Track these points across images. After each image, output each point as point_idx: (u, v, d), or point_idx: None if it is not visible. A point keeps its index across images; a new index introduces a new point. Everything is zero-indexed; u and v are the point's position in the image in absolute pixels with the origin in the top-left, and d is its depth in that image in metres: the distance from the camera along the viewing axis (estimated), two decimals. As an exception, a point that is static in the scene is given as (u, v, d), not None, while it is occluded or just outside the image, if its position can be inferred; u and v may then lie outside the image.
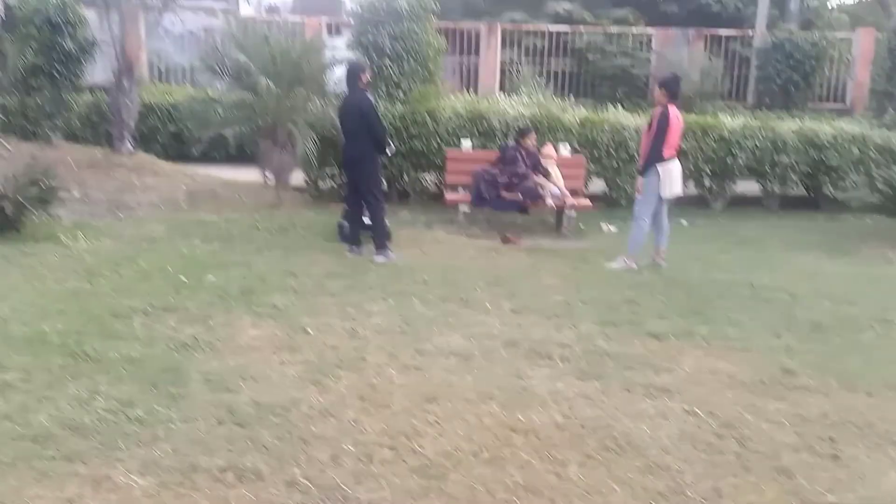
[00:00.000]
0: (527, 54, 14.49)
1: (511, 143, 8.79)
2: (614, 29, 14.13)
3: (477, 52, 14.58)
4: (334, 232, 7.73)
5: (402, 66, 9.71)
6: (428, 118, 9.64)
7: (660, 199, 7.11)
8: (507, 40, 14.69)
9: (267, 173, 9.06)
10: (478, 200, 8.51)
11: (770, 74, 13.87)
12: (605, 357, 4.60)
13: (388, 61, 9.63)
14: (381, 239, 7.02)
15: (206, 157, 11.40)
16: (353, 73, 6.93)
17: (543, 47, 14.48)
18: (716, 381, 4.32)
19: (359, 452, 3.35)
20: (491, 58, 14.36)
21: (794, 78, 13.68)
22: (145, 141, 11.46)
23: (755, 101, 14.43)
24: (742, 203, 10.80)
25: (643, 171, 7.04)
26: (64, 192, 7.56)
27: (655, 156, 6.87)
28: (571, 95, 11.06)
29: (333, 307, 5.36)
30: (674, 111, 6.85)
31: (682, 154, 7.62)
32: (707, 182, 10.62)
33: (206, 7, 15.74)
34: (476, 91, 13.81)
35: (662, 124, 6.82)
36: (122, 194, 8.56)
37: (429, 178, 10.30)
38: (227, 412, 3.66)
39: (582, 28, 14.37)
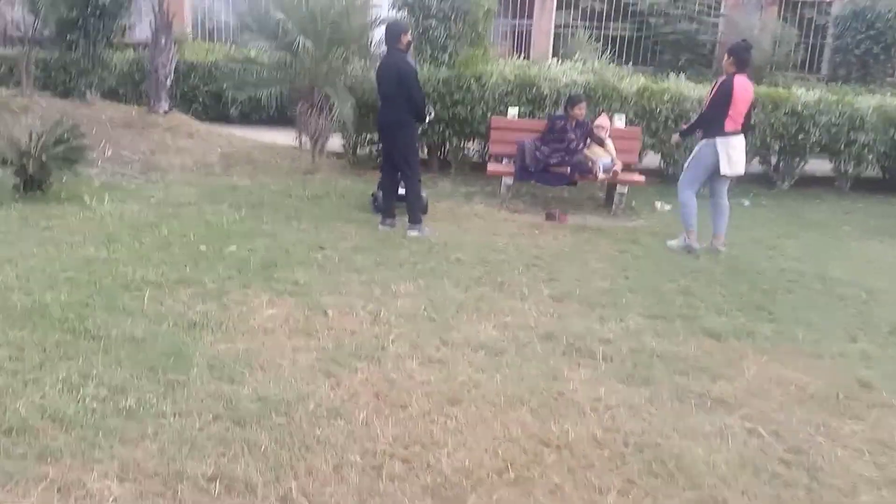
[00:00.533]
0: (583, 18, 13.72)
1: (560, 113, 8.20)
2: (679, -8, 13.25)
3: (531, 14, 13.88)
4: (368, 202, 7.33)
5: (448, 28, 9.15)
6: (473, 83, 9.09)
7: (718, 175, 6.49)
8: (563, 2, 13.95)
9: (303, 138, 8.66)
10: (522, 173, 7.97)
11: (847, 45, 12.85)
12: (653, 358, 4.09)
13: (433, 22, 9.07)
14: (415, 212, 6.57)
15: (246, 119, 11.11)
16: (393, 34, 6.44)
17: (601, 10, 13.69)
18: (782, 392, 3.77)
19: (366, 464, 2.94)
20: (545, 21, 13.65)
21: (873, 50, 12.63)
22: (186, 101, 11.20)
23: (830, 73, 13.45)
24: (811, 183, 10.01)
25: (683, 133, 6.95)
26: (94, 151, 7.29)
27: (707, 124, 6.41)
28: (630, 63, 10.33)
29: (358, 286, 4.95)
30: (740, 81, 6.26)
31: (749, 129, 6.91)
32: (774, 159, 9.86)
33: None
34: (528, 56, 13.17)
35: (721, 93, 6.27)
36: (155, 155, 8.27)
37: (472, 147, 9.78)
38: (226, 407, 3.28)
39: (644, -10, 13.53)
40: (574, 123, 7.93)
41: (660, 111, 9.18)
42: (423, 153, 9.74)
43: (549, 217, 7.65)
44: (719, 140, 6.29)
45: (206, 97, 11.46)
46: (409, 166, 6.57)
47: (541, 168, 7.92)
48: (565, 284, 5.30)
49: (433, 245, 6.13)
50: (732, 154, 6.34)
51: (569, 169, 7.94)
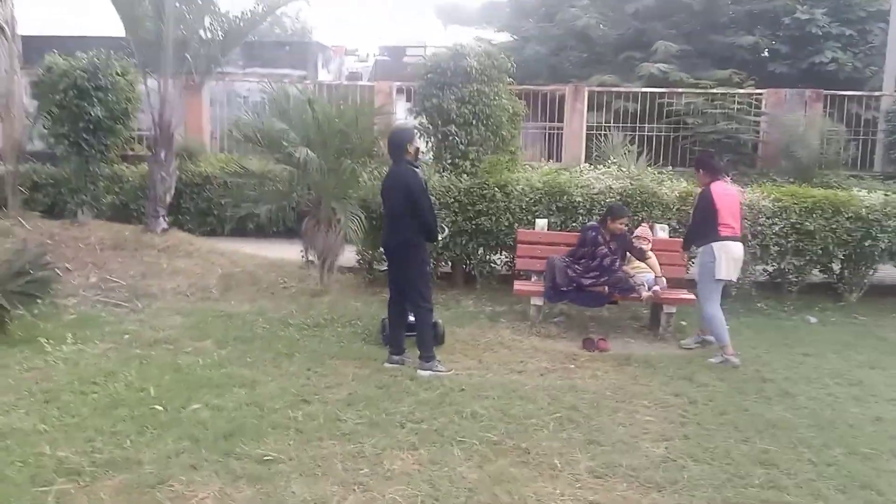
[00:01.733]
0: (616, 120, 12.93)
1: (592, 223, 7.17)
2: (718, 90, 12.39)
3: (561, 118, 13.15)
4: (378, 329, 6.31)
5: (469, 133, 8.34)
6: (498, 192, 8.18)
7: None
8: (595, 104, 13.21)
9: (310, 255, 7.77)
10: (553, 294, 6.89)
11: (902, 139, 11.76)
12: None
13: (453, 128, 8.28)
14: (426, 348, 5.52)
15: (262, 232, 10.28)
16: (398, 143, 5.59)
17: (636, 111, 12.90)
18: None
19: None
20: (576, 123, 12.87)
21: (931, 144, 11.51)
22: (201, 214, 10.49)
23: (883, 170, 12.29)
24: (882, 293, 8.72)
25: (684, 247, 6.95)
26: (76, 277, 6.45)
27: (697, 235, 6.49)
28: (669, 165, 9.38)
29: (341, 462, 3.84)
30: (718, 188, 6.33)
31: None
32: (838, 268, 8.64)
33: (279, 74, 15.10)
34: (560, 160, 12.33)
35: (703, 205, 6.34)
36: (146, 279, 7.41)
37: (499, 261, 8.78)
38: None
39: (680, 90, 12.71)
40: (609, 236, 6.89)
41: (706, 218, 8.10)
42: (448, 267, 8.79)
43: (587, 345, 6.50)
44: (715, 245, 6.20)
45: (223, 210, 10.75)
46: (419, 294, 5.57)
47: (574, 287, 6.85)
48: (609, 451, 4.12)
49: (446, 391, 5.02)
50: (726, 258, 6.20)
51: (606, 288, 6.85)
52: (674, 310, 6.93)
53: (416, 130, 5.63)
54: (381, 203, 5.86)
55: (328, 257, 7.60)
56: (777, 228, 8.09)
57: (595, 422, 4.58)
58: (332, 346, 6.00)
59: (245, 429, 4.16)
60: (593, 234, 6.89)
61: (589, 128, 12.90)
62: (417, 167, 5.60)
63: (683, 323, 7.31)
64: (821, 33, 15.52)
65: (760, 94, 12.52)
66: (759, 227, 8.07)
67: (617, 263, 6.83)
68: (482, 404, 4.78)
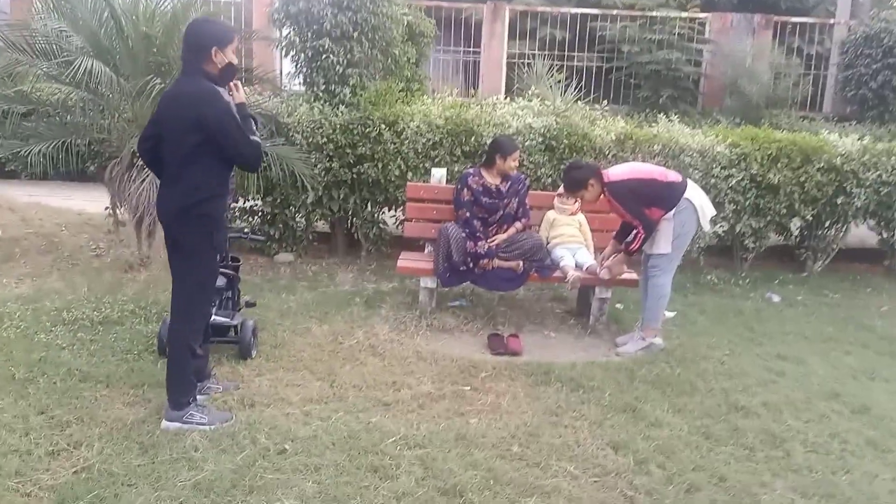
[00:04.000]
0: (542, 48, 10.84)
1: (472, 170, 5.20)
2: (656, 13, 10.38)
3: (479, 43, 10.98)
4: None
5: (349, 50, 6.13)
6: (385, 130, 6.07)
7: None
8: (518, 30, 11.07)
9: (119, 211, 5.53)
10: (448, 275, 4.92)
11: (861, 76, 10.11)
12: None
13: (327, 42, 6.05)
14: (177, 389, 3.29)
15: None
16: (196, 43, 3.23)
17: (564, 39, 10.82)
18: None
19: None
20: (496, 49, 10.73)
21: (893, 81, 9.90)
22: None
23: (835, 110, 10.70)
24: (845, 258, 7.12)
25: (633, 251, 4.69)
26: None
27: (648, 222, 4.52)
28: (604, 100, 7.47)
29: None
30: (618, 172, 4.67)
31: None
32: (800, 232, 6.98)
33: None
34: (474, 93, 10.21)
35: (634, 190, 4.55)
36: None
37: (392, 220, 6.74)
38: None
39: (614, 11, 10.64)
40: (500, 180, 5.02)
41: (649, 168, 6.22)
42: (327, 226, 6.70)
43: (494, 344, 4.60)
44: (688, 195, 4.55)
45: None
46: (185, 302, 3.32)
47: (475, 265, 4.90)
48: None
49: (250, 457, 3.00)
50: (707, 205, 4.68)
51: (521, 264, 4.93)
52: (609, 294, 5.07)
53: (233, 34, 3.37)
54: (143, 141, 3.44)
55: (145, 216, 5.36)
56: (734, 182, 6.30)
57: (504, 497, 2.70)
58: (106, 363, 3.87)
59: None
60: (461, 185, 5.05)
61: (511, 56, 10.79)
62: (222, 88, 3.38)
63: (619, 306, 5.50)
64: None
65: (704, 18, 10.60)
66: (713, 180, 6.27)
67: (521, 213, 5.05)
68: (301, 488, 2.80)
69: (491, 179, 5.05)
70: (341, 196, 6.29)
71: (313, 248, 6.76)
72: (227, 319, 4.10)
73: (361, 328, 4.73)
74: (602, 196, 4.63)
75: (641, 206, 4.49)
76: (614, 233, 4.90)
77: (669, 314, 5.19)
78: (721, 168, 6.27)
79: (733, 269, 6.67)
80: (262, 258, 6.44)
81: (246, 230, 4.74)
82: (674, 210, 4.51)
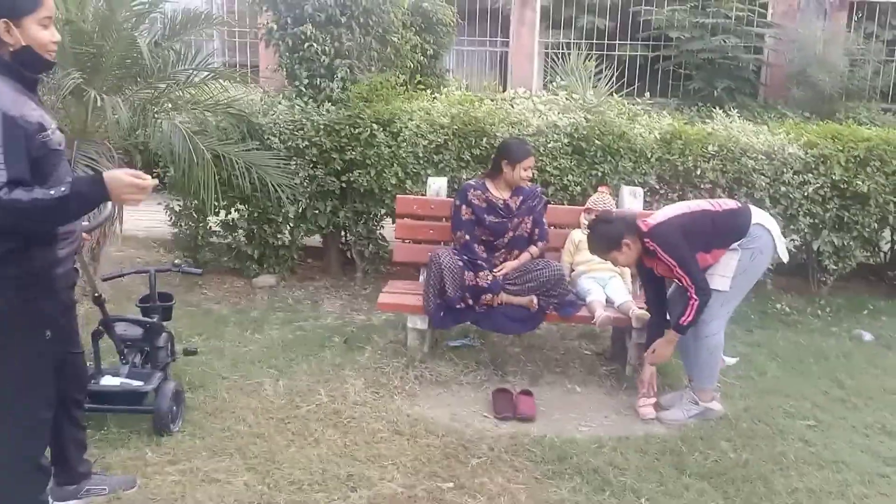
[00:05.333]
0: (580, 37, 9.64)
1: (474, 182, 4.10)
2: (709, -4, 9.10)
3: (508, 33, 9.86)
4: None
5: (337, 38, 5.10)
6: (379, 131, 5.01)
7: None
8: (552, 19, 9.90)
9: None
10: (441, 314, 3.83)
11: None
12: None
13: (310, 28, 5.03)
14: None
15: None
16: None
17: (605, 27, 9.61)
18: None
19: None
20: (526, 38, 9.61)
21: None
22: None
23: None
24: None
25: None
26: None
27: (694, 272, 3.29)
28: (647, 93, 6.27)
29: None
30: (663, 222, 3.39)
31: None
32: (890, 248, 5.66)
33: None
34: (505, 87, 9.08)
35: (684, 228, 3.34)
36: None
37: (388, 233, 5.68)
38: None
39: (661, -4, 9.38)
40: (509, 195, 3.89)
41: (701, 173, 5.01)
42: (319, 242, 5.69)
43: (500, 405, 3.52)
44: (759, 220, 3.41)
45: None
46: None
47: (475, 300, 3.80)
48: None
49: None
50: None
51: (535, 300, 3.81)
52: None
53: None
54: None
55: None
56: (811, 189, 5.03)
57: None
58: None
59: None
60: (460, 200, 3.90)
61: (546, 46, 9.62)
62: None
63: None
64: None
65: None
66: (783, 188, 5.02)
67: (538, 235, 3.88)
68: None
69: (497, 193, 3.95)
70: (328, 209, 5.25)
71: (303, 268, 5.76)
72: (140, 383, 3.09)
73: (329, 383, 3.68)
74: (641, 253, 3.43)
75: (699, 249, 3.30)
76: (645, 299, 3.70)
77: (730, 360, 3.97)
78: (794, 173, 5.01)
79: (810, 295, 5.39)
80: (239, 281, 5.46)
81: (177, 262, 3.74)
82: (740, 240, 3.33)
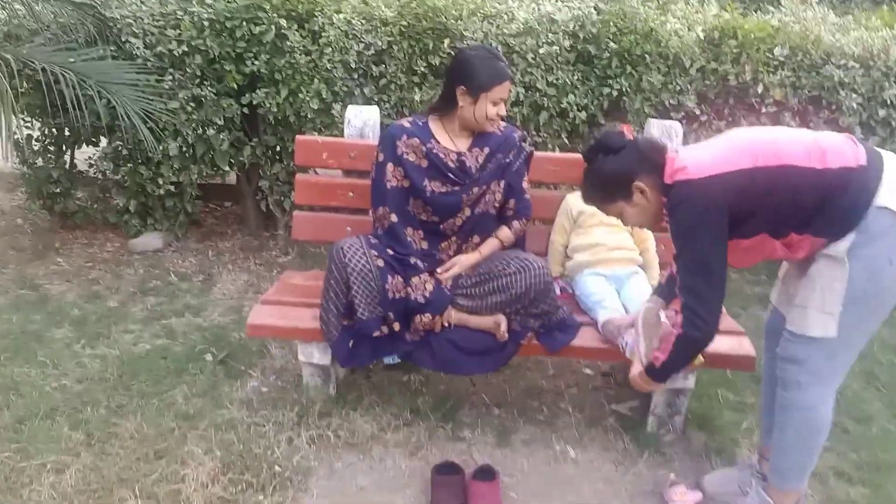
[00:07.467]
0: None
1: (409, 122, 2.37)
2: None
3: None
4: None
5: None
6: (291, 30, 3.32)
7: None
8: None
9: None
10: (351, 344, 2.30)
11: None
12: None
13: None
14: None
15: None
16: None
17: None
18: None
19: None
20: None
21: None
22: None
23: None
24: None
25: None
26: None
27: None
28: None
29: None
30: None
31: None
32: None
33: None
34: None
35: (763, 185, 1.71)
36: None
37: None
38: None
39: None
40: (470, 147, 2.28)
41: (763, 90, 3.35)
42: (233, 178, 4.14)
43: (441, 499, 2.06)
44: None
45: None
46: None
47: (404, 323, 2.27)
48: None
49: None
50: None
51: (503, 324, 2.28)
52: (689, 381, 2.38)
53: None
54: None
55: None
56: (924, 115, 3.39)
57: None
58: None
59: None
60: (383, 153, 2.28)
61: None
62: None
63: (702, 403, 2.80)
64: None
65: None
66: (883, 112, 3.39)
67: (518, 210, 2.31)
68: None
69: (448, 142, 2.33)
70: (225, 143, 3.63)
71: (215, 218, 4.25)
72: None
73: (161, 461, 2.21)
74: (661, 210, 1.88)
75: (759, 231, 1.77)
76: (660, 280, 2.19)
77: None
78: (903, 90, 3.36)
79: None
80: (117, 241, 3.96)
81: None
82: (848, 239, 1.74)
